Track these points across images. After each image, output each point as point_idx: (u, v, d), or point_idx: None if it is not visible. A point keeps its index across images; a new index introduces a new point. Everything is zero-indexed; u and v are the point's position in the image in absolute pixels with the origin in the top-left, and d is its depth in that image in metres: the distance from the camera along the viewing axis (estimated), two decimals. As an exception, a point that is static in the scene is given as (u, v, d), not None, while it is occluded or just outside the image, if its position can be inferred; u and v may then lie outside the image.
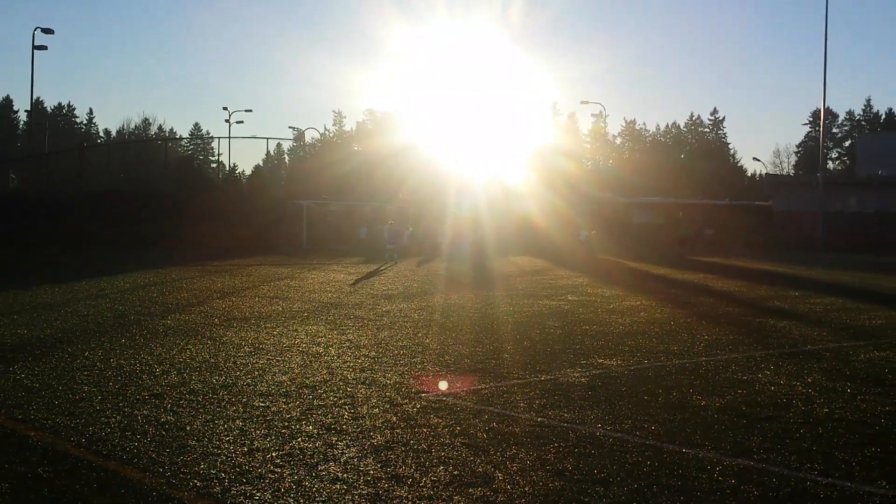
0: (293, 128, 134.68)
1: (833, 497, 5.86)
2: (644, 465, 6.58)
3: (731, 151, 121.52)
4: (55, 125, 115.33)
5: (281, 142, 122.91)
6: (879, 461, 6.74)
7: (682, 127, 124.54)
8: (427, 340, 13.08)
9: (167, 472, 6.33)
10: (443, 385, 9.66)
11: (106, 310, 16.80)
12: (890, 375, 10.53)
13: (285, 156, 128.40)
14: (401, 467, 6.49)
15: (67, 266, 30.25)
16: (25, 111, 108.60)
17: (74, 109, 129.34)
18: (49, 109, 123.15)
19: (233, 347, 12.21)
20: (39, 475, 6.22)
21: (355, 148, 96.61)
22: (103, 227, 43.95)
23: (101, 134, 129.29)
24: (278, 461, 6.61)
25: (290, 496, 5.82)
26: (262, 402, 8.68)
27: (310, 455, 6.79)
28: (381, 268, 30.01)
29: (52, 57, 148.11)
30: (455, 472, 6.36)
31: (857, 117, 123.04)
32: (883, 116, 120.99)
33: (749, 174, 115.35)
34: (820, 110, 62.22)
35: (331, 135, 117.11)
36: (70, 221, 44.87)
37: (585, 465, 6.57)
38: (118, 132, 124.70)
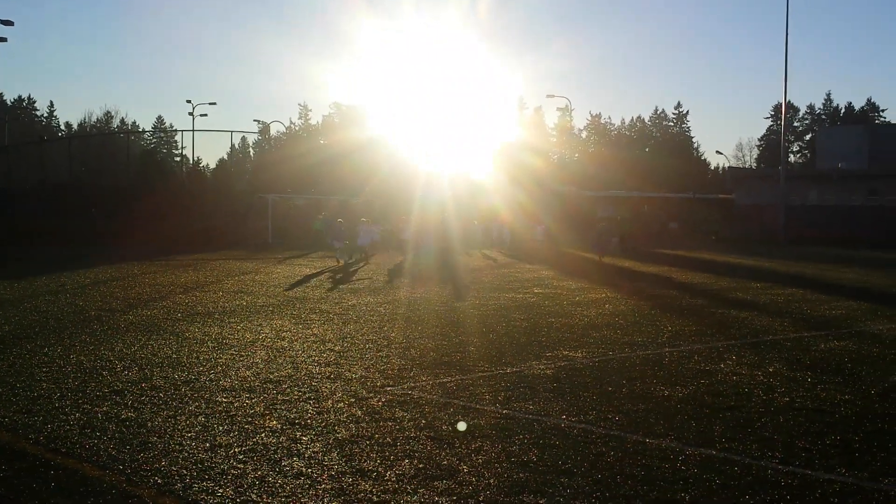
0: (258, 121, 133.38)
1: (794, 485, 5.94)
2: (608, 455, 6.61)
3: (695, 145, 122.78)
4: (15, 118, 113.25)
5: (246, 135, 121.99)
6: (839, 449, 6.84)
7: (646, 121, 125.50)
8: (393, 334, 13.04)
9: (127, 469, 6.24)
10: None
11: (66, 305, 16.53)
12: (849, 364, 10.70)
13: (250, 149, 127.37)
14: (365, 461, 6.45)
15: (26, 261, 29.73)
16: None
17: (35, 102, 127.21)
18: (9, 102, 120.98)
19: (196, 343, 12.08)
20: (-5, 474, 6.10)
21: (321, 141, 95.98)
22: (63, 222, 43.24)
23: (63, 127, 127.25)
24: (241, 457, 6.54)
25: (253, 492, 5.76)
26: (226, 397, 8.59)
27: (273, 450, 6.73)
28: (351, 267, 29.87)
29: (12, 49, 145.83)
30: (420, 466, 6.34)
31: (818, 111, 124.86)
32: (843, 110, 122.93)
33: (712, 167, 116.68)
34: (781, 104, 63.07)
35: (297, 128, 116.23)
36: (29, 215, 44.11)
37: (550, 456, 6.59)
38: (80, 125, 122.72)
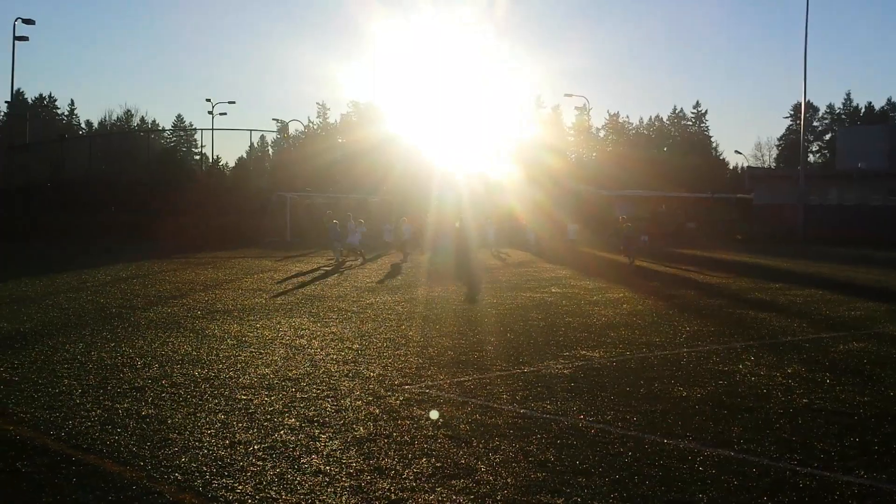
0: (277, 120, 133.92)
1: (812, 486, 5.92)
2: (625, 455, 6.62)
3: (714, 144, 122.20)
4: (36, 116, 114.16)
5: (265, 134, 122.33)
6: (858, 451, 6.81)
7: (665, 120, 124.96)
8: (410, 333, 13.08)
9: (148, 465, 6.30)
10: None
11: (87, 302, 16.68)
12: (868, 366, 10.63)
13: (269, 148, 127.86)
14: (383, 459, 6.49)
15: (48, 258, 30.01)
16: (6, 102, 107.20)
17: (56, 101, 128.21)
18: (30, 101, 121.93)
19: (215, 340, 12.16)
20: (18, 470, 6.18)
21: (340, 140, 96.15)
22: (84, 219, 43.65)
23: (83, 125, 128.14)
24: (260, 454, 6.59)
25: (272, 489, 5.81)
26: (245, 394, 8.66)
27: (292, 448, 6.77)
28: (344, 266, 29.91)
29: (34, 48, 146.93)
30: (438, 464, 6.37)
31: (838, 111, 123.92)
32: (863, 110, 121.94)
33: (731, 167, 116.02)
34: (801, 104, 62.58)
35: (315, 127, 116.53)
36: (50, 213, 44.55)
37: (567, 456, 6.60)
38: (100, 124, 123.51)
